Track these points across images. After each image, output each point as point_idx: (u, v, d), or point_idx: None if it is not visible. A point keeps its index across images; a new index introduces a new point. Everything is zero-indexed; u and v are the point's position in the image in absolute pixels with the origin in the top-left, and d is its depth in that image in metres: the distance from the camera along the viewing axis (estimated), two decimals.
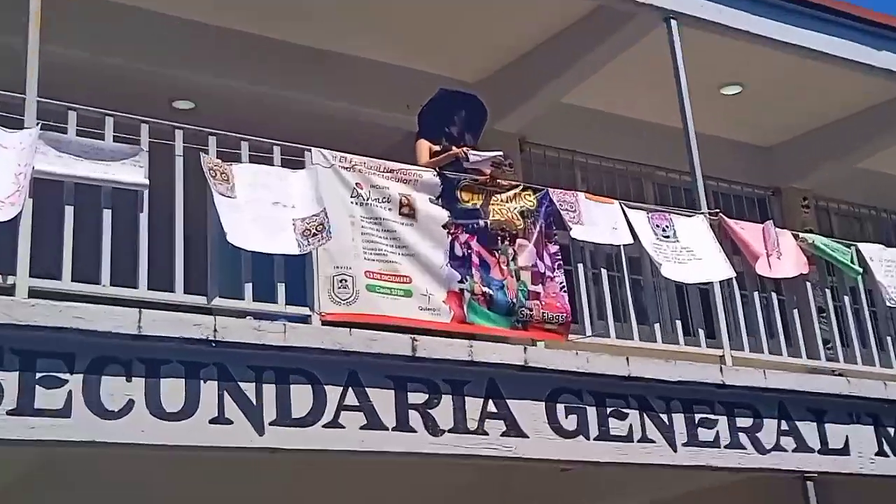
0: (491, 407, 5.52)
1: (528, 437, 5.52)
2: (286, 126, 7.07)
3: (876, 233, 10.71)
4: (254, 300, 5.27)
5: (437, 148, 6.58)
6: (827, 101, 9.34)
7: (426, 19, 7.76)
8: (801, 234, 7.32)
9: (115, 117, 5.20)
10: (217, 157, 5.37)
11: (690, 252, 6.54)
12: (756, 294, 6.87)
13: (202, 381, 4.83)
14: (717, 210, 7.05)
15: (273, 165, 5.54)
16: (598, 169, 9.18)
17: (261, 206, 5.33)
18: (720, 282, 6.70)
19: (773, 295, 6.96)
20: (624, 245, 6.39)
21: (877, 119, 9.47)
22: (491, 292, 5.84)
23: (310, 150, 5.65)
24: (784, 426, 6.40)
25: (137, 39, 7.25)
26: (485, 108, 6.88)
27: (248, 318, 5.19)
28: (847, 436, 6.58)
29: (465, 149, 6.34)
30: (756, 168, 10.14)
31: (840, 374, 7.08)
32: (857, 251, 7.39)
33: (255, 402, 4.92)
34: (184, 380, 4.79)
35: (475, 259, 5.89)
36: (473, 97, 6.90)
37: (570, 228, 6.19)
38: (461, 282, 5.79)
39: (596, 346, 6.08)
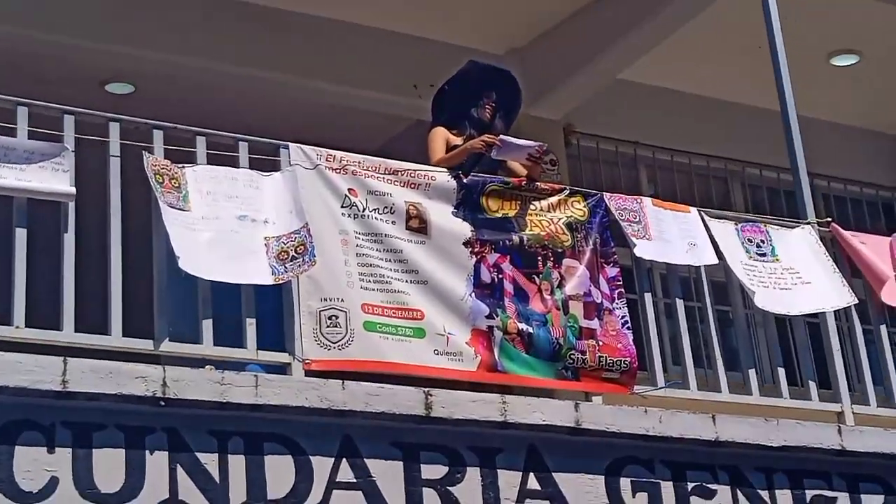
0: (532, 483, 5.50)
1: None
2: (256, 116, 7.11)
3: None
4: (215, 344, 5.27)
5: (457, 141, 6.58)
6: None
7: None
8: None
9: (29, 106, 5.22)
10: (165, 158, 5.40)
11: (795, 274, 6.53)
12: (884, 330, 6.85)
13: (148, 453, 4.82)
14: (829, 219, 7.05)
15: (238, 168, 5.56)
16: (668, 166, 9.20)
17: (222, 221, 5.35)
18: (836, 313, 6.67)
19: None
20: (706, 266, 6.38)
21: None
22: (530, 330, 5.84)
23: (287, 147, 5.68)
24: None
25: (58, 6, 7.33)
26: (519, 89, 6.91)
27: (207, 368, 5.20)
28: None
29: (496, 137, 6.33)
30: (880, 162, 10.15)
31: None
32: None
33: (217, 480, 4.91)
34: (124, 450, 4.78)
35: (508, 287, 5.90)
36: (508, 73, 6.93)
37: (635, 245, 6.20)
38: (490, 317, 5.80)
39: (671, 402, 6.07)
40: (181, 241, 5.18)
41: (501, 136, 6.34)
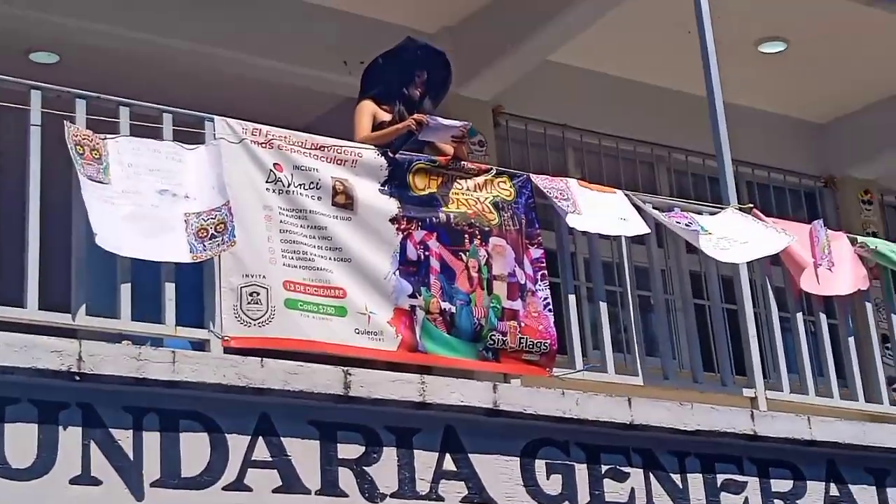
0: (448, 464, 5.52)
1: None
2: (182, 89, 7.04)
3: None
4: (133, 319, 5.23)
5: (386, 117, 6.54)
6: None
7: None
8: (860, 239, 7.40)
9: None
10: (88, 128, 5.32)
11: (731, 240, 6.57)
12: (800, 317, 6.93)
13: (61, 428, 4.78)
14: (751, 205, 7.10)
15: (162, 140, 5.50)
16: (595, 150, 9.23)
17: (143, 195, 5.30)
18: (754, 300, 6.73)
19: (823, 319, 7.02)
20: (631, 242, 6.39)
21: None
22: (453, 310, 5.84)
23: (212, 120, 5.63)
24: (834, 491, 6.47)
25: None
26: (451, 72, 6.89)
27: (124, 343, 5.15)
28: None
29: (423, 116, 6.31)
30: (804, 151, 10.25)
31: None
32: None
33: (131, 457, 4.88)
34: (36, 425, 4.74)
35: (435, 264, 5.90)
36: (443, 55, 6.90)
37: (566, 214, 6.19)
38: (413, 296, 5.80)
39: (589, 385, 6.10)
40: (98, 215, 5.11)
41: (429, 116, 6.31)
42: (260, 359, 5.22)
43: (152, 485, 4.89)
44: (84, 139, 5.28)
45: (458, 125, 6.26)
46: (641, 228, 6.42)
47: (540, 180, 6.36)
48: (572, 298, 6.31)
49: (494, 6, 8.40)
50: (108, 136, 5.37)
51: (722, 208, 6.90)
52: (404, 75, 6.69)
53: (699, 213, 6.76)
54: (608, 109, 9.17)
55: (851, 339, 7.10)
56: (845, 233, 7.43)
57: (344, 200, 5.83)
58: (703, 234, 6.53)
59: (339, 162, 5.88)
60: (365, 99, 6.66)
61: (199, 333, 5.33)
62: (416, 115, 6.34)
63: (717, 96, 7.18)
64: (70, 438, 4.79)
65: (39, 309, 5.06)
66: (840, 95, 9.91)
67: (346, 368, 5.38)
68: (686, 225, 6.59)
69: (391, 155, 6.01)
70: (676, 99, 9.17)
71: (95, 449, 4.82)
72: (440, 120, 6.28)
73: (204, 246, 5.30)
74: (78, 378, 4.81)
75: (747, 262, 6.72)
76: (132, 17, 7.63)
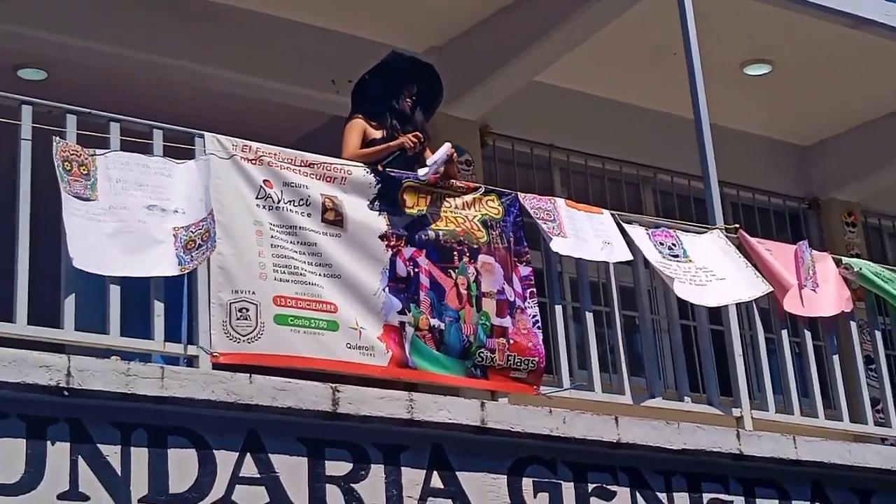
0: (436, 481, 5.52)
1: None
2: (173, 106, 7.04)
3: None
4: (122, 335, 5.22)
5: (376, 134, 6.53)
6: (881, 86, 9.52)
7: None
8: (844, 260, 7.43)
9: None
10: (78, 144, 5.33)
11: (710, 272, 6.60)
12: (785, 338, 6.95)
13: (49, 443, 4.76)
14: (737, 225, 7.13)
15: (152, 155, 5.50)
16: (581, 170, 9.26)
17: (130, 211, 5.28)
18: (740, 321, 6.76)
19: (808, 339, 7.05)
20: (616, 270, 6.43)
21: None
22: (442, 326, 5.85)
23: (202, 136, 5.63)
24: None
25: None
26: (441, 83, 6.89)
27: (113, 358, 5.15)
28: None
29: (414, 137, 6.31)
30: (789, 173, 10.30)
31: (893, 444, 7.18)
32: None
33: (119, 472, 4.87)
34: (24, 440, 4.72)
35: (424, 280, 5.91)
36: (430, 68, 6.92)
37: (551, 240, 6.22)
38: (402, 312, 5.80)
39: (576, 403, 6.11)
40: (80, 235, 5.10)
41: (426, 169, 6.22)
42: (248, 375, 5.21)
43: (140, 501, 4.87)
44: (73, 154, 5.27)
45: (444, 153, 6.22)
46: (625, 255, 6.43)
47: (528, 199, 6.38)
48: (560, 317, 6.33)
49: (482, 26, 8.43)
50: (98, 150, 5.37)
51: (708, 228, 6.93)
52: (392, 89, 6.67)
53: (686, 231, 6.79)
54: (595, 130, 9.21)
55: (836, 360, 7.12)
56: (830, 254, 7.45)
57: (333, 217, 5.84)
58: (683, 261, 6.55)
59: (328, 179, 5.90)
60: (355, 117, 6.67)
61: (188, 349, 5.30)
62: (413, 135, 6.34)
63: (703, 118, 7.22)
64: (58, 454, 4.77)
65: (28, 324, 5.04)
66: (825, 118, 9.98)
67: (334, 385, 5.37)
68: (670, 247, 6.61)
69: (381, 170, 6.01)
70: (662, 120, 9.23)
71: (83, 464, 4.80)
72: (429, 161, 6.26)
73: (191, 257, 5.31)
74: (66, 393, 4.80)
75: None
76: (120, 35, 7.63)
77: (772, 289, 6.78)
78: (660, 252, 6.55)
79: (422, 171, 6.16)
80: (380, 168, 6.03)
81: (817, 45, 8.82)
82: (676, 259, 6.58)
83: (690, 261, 6.61)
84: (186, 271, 5.31)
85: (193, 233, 5.35)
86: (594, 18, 8.06)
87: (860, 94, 9.60)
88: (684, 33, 7.36)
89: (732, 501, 6.24)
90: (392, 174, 6.05)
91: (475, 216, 6.21)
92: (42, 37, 7.49)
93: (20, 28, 7.41)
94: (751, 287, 6.70)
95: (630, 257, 6.45)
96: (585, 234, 6.36)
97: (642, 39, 8.41)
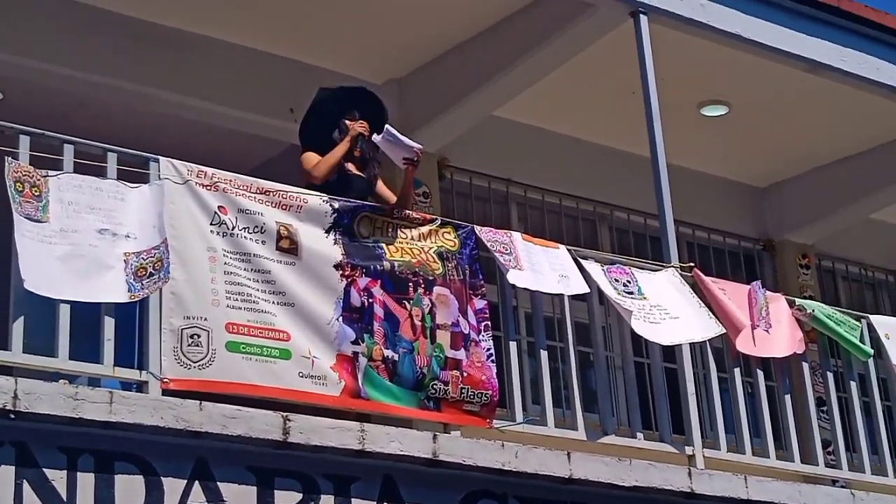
0: None
1: None
2: (129, 131, 7.00)
3: (894, 303, 10.99)
4: (70, 358, 5.16)
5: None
6: (837, 130, 9.63)
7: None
8: (797, 301, 7.48)
9: None
10: (31, 165, 5.28)
11: (663, 310, 6.65)
12: (738, 377, 6.98)
13: None
14: (692, 263, 7.16)
15: (106, 179, 5.47)
16: (538, 205, 9.28)
17: (81, 234, 5.24)
18: (693, 360, 6.79)
19: (761, 379, 7.08)
20: (570, 306, 6.44)
21: None
22: (395, 357, 5.83)
23: (157, 160, 5.60)
24: None
25: None
26: (381, 104, 6.90)
27: (61, 382, 5.09)
28: None
29: (359, 125, 6.44)
30: (744, 214, 10.37)
31: (844, 486, 7.20)
32: (869, 326, 7.57)
33: (65, 497, 4.82)
34: None
35: (378, 311, 5.89)
36: (362, 90, 6.95)
37: (507, 271, 6.23)
38: (356, 342, 5.78)
39: (528, 438, 6.10)
40: (32, 257, 5.06)
41: (387, 126, 6.33)
42: (198, 402, 5.17)
43: None
44: (25, 175, 5.23)
45: (414, 146, 6.30)
46: (581, 288, 6.46)
47: (484, 233, 6.39)
48: (514, 351, 6.32)
49: (441, 60, 8.46)
50: (51, 172, 5.33)
51: (663, 266, 6.96)
52: (331, 124, 6.71)
53: (641, 268, 6.82)
54: (552, 166, 9.24)
55: (789, 401, 7.15)
56: (783, 295, 7.49)
57: (288, 245, 5.82)
58: (637, 298, 6.58)
59: (284, 207, 5.88)
60: (306, 152, 6.68)
61: (137, 374, 5.27)
62: (355, 123, 6.50)
63: (660, 157, 7.27)
64: (3, 477, 4.72)
65: None
66: (780, 160, 10.07)
67: (285, 414, 5.34)
68: (625, 283, 6.64)
69: (335, 203, 6.00)
70: (619, 158, 9.27)
71: (28, 488, 4.75)
72: (397, 133, 6.29)
73: (142, 284, 5.27)
74: (13, 416, 4.75)
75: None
76: (77, 57, 7.58)
77: (724, 330, 6.82)
78: (615, 289, 6.59)
79: (385, 135, 6.23)
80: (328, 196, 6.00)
81: (774, 87, 8.91)
82: (631, 296, 6.62)
83: (645, 298, 6.65)
84: (136, 299, 5.27)
85: (145, 260, 5.32)
86: (554, 55, 8.09)
87: (816, 138, 9.69)
88: (642, 73, 7.42)
89: None
90: (347, 204, 6.04)
91: (431, 248, 6.21)
92: None
93: None
94: (703, 328, 6.75)
95: (587, 290, 6.47)
96: (542, 268, 6.39)
97: (601, 78, 8.46)
